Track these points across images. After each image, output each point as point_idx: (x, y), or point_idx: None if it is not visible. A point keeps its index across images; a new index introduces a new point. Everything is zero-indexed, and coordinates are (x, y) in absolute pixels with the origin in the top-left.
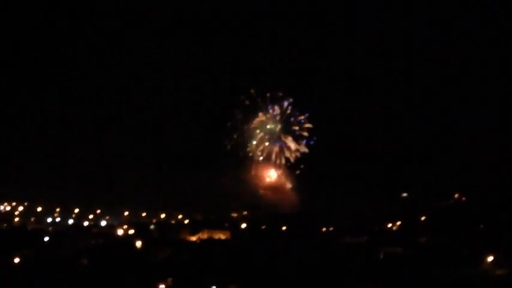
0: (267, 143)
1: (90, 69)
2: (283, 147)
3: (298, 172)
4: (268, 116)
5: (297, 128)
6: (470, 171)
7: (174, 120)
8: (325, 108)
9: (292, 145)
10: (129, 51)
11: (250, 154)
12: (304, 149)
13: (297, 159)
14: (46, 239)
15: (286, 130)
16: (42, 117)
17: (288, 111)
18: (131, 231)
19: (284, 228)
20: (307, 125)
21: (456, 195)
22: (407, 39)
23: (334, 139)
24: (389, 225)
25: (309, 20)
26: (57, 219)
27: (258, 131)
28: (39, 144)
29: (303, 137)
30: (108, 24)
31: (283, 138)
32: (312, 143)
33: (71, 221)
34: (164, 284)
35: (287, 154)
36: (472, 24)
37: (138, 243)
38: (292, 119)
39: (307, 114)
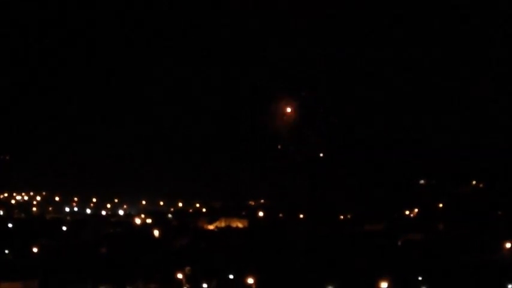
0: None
1: (106, 57)
2: (301, 142)
3: (315, 159)
4: (283, 108)
5: (319, 120)
6: (489, 157)
7: (190, 109)
8: (343, 98)
9: (313, 140)
10: (144, 38)
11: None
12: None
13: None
14: (64, 228)
15: (306, 123)
16: (58, 106)
17: (308, 102)
18: (149, 220)
19: (302, 216)
20: (333, 119)
21: (474, 182)
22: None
23: (353, 125)
24: (407, 212)
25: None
26: (75, 209)
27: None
28: (56, 134)
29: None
30: (122, 13)
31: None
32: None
33: (88, 211)
34: (182, 273)
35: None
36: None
37: (156, 232)
38: (314, 111)
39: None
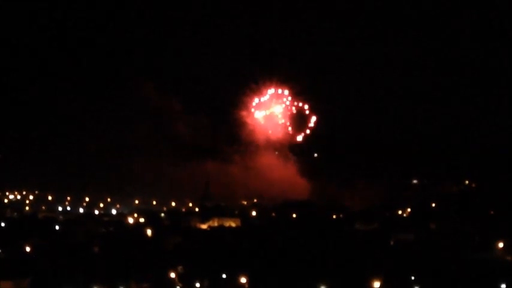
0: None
1: (100, 59)
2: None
3: (309, 159)
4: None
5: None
6: (481, 157)
7: (183, 109)
8: (335, 95)
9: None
10: (139, 37)
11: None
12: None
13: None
14: (57, 227)
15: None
16: (53, 105)
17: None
18: (142, 219)
19: (294, 215)
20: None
21: (466, 182)
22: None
23: (345, 126)
24: (400, 211)
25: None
26: (68, 208)
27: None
28: (49, 132)
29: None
30: (118, 12)
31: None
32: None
33: (81, 210)
34: (175, 272)
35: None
36: None
37: (149, 231)
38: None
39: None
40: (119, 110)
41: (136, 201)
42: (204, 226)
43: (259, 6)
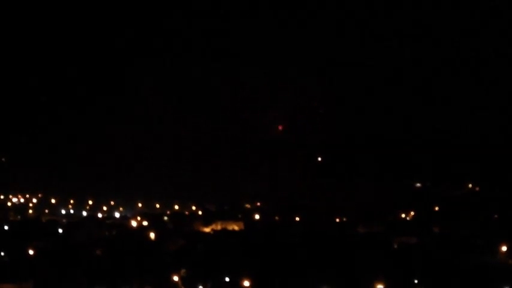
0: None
1: (102, 59)
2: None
3: (313, 162)
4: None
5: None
6: (484, 161)
7: (187, 112)
8: (339, 97)
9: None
10: (143, 43)
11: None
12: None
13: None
14: (60, 230)
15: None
16: (56, 108)
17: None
18: (145, 223)
19: (297, 218)
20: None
21: (470, 185)
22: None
23: (347, 129)
24: (403, 215)
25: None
26: (71, 211)
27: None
28: (53, 136)
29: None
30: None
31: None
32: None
33: (84, 213)
34: (178, 275)
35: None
36: None
37: (152, 235)
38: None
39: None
40: (122, 113)
41: (140, 205)
42: (207, 229)
43: (259, 6)
